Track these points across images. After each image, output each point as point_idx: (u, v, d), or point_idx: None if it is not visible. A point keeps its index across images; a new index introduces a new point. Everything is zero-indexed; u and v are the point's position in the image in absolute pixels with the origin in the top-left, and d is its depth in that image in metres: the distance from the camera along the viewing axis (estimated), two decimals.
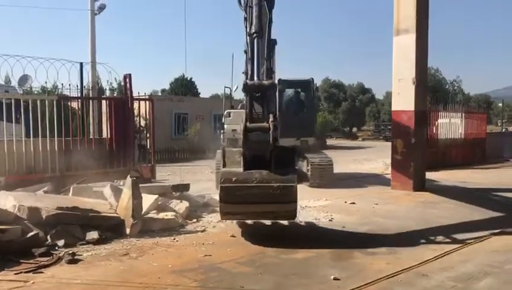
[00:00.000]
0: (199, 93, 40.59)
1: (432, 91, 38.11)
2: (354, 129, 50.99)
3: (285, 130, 10.28)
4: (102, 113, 9.67)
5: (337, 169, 12.36)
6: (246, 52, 6.85)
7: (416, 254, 5.52)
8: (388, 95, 40.77)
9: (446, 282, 4.54)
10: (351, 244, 5.93)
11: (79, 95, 11.34)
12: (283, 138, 10.41)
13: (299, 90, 12.95)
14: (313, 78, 12.72)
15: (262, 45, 6.36)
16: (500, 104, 56.15)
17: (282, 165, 5.79)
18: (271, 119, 5.85)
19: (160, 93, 43.36)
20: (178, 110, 27.89)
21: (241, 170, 5.74)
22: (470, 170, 15.69)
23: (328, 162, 11.41)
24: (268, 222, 6.79)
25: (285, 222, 6.82)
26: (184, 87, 40.27)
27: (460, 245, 5.92)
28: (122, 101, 9.50)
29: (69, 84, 9.45)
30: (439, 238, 6.30)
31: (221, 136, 10.53)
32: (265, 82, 6.10)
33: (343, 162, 17.00)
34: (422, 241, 6.14)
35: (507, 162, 18.52)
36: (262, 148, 5.74)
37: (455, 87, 44.30)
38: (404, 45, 10.61)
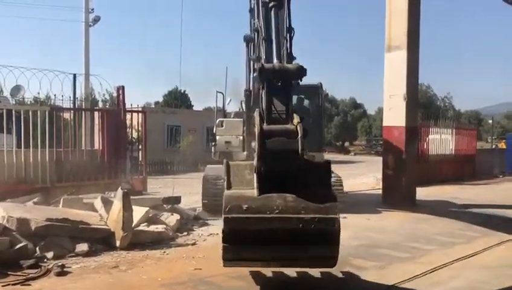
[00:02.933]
0: (192, 106, 40.67)
1: (423, 107, 38.43)
2: (346, 144, 51.22)
3: None
4: (95, 124, 9.66)
5: None
6: (257, 31, 5.19)
7: (406, 269, 5.54)
8: (380, 111, 41.07)
9: None
10: (340, 259, 5.91)
11: (71, 106, 11.34)
12: None
13: (305, 97, 11.14)
14: (321, 83, 10.79)
15: (281, 18, 4.90)
16: (490, 121, 56.76)
17: (313, 186, 4.07)
18: (297, 120, 4.24)
19: (153, 105, 43.36)
20: (170, 123, 27.93)
21: (254, 192, 4.01)
22: (460, 185, 15.79)
23: (339, 183, 9.59)
24: (293, 272, 5.06)
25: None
26: (177, 99, 40.37)
27: (450, 261, 5.95)
28: (114, 113, 9.51)
29: (62, 95, 9.44)
30: (429, 253, 6.34)
31: (213, 149, 9.82)
32: (289, 66, 4.47)
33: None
34: (412, 256, 6.17)
35: (496, 179, 18.66)
36: (287, 162, 4.04)
37: (446, 104, 44.84)
38: (396, 62, 10.75)
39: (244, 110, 9.59)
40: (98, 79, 13.35)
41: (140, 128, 23.74)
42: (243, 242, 3.89)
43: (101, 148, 9.30)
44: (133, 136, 23.90)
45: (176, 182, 15.89)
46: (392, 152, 10.82)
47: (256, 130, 4.15)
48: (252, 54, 9.15)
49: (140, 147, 26.34)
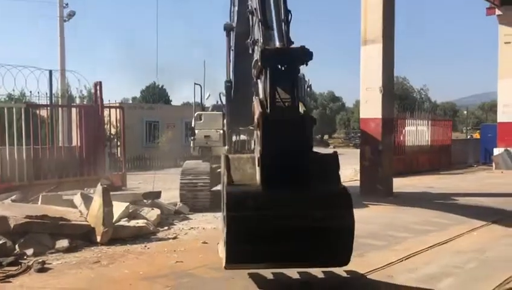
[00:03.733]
0: (171, 101, 40.45)
1: (400, 99, 39.08)
2: (326, 137, 51.66)
3: None
4: (72, 121, 9.59)
5: None
6: (251, 13, 4.80)
7: (383, 256, 5.69)
8: (358, 103, 41.57)
9: (410, 282, 4.72)
10: None
11: (48, 103, 11.21)
12: None
13: None
14: (303, 74, 10.05)
15: None
16: (465, 112, 57.95)
17: (321, 179, 3.78)
18: (303, 108, 4.04)
19: (130, 101, 42.98)
20: (149, 118, 27.78)
21: (258, 188, 3.72)
22: (436, 175, 16.19)
23: None
24: (295, 273, 4.68)
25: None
26: (155, 94, 40.12)
27: (425, 247, 6.14)
28: (92, 109, 9.45)
29: (38, 92, 9.35)
30: (405, 241, 6.52)
31: (192, 144, 9.69)
32: (294, 48, 4.09)
33: None
34: (389, 244, 6.34)
35: (471, 168, 19.15)
36: (296, 155, 3.73)
37: (422, 96, 45.62)
38: (371, 55, 10.93)
39: (224, 102, 9.54)
40: (75, 75, 13.19)
41: (118, 125, 23.44)
42: (248, 242, 3.59)
43: (79, 144, 9.25)
44: (111, 132, 23.66)
45: (155, 177, 15.91)
46: (369, 144, 11.02)
47: (260, 119, 3.82)
48: (232, 44, 9.07)
49: (118, 143, 26.07)
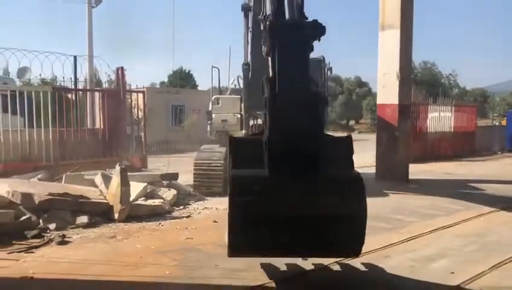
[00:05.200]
0: (197, 86, 40.90)
1: (428, 85, 38.40)
2: (352, 122, 51.30)
3: None
4: (95, 104, 10.03)
5: None
6: None
7: (385, 238, 5.87)
8: None
9: (405, 262, 4.92)
10: None
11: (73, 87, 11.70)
12: None
13: None
14: (323, 57, 10.08)
15: None
16: (498, 99, 56.50)
17: (333, 164, 3.56)
18: (315, 88, 3.86)
19: (158, 86, 43.68)
20: (175, 102, 28.24)
21: (265, 172, 3.48)
22: (457, 162, 16.08)
23: None
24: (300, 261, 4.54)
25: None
26: (182, 79, 40.62)
27: (429, 230, 6.29)
28: (114, 93, 9.86)
29: (63, 77, 9.80)
30: (410, 224, 6.69)
31: (208, 128, 9.60)
32: (305, 22, 3.85)
33: None
34: (394, 227, 6.52)
35: (495, 155, 18.89)
36: (306, 136, 3.48)
37: (451, 81, 44.66)
38: (389, 40, 10.93)
39: (242, 86, 9.51)
40: (99, 61, 13.56)
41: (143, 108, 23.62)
42: (253, 229, 3.40)
43: (102, 127, 9.68)
44: (138, 116, 24.22)
45: (178, 160, 16.33)
46: (385, 130, 11.10)
47: (268, 99, 3.60)
48: (250, 25, 9.03)
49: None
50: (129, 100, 11.61)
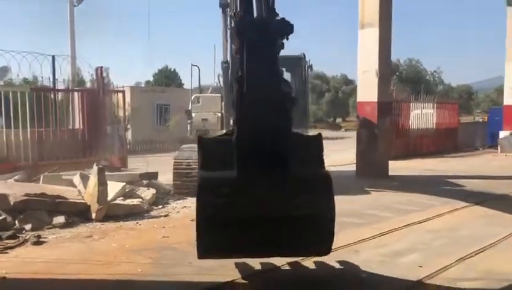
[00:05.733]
0: (183, 84, 40.81)
1: (412, 82, 38.76)
2: (339, 120, 51.56)
3: None
4: (74, 104, 10.00)
5: None
6: None
7: (358, 233, 5.97)
8: None
9: (375, 257, 5.02)
10: None
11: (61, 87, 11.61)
12: None
13: (286, 69, 10.17)
14: (304, 54, 10.15)
15: None
16: (482, 95, 57.19)
17: (303, 163, 3.59)
18: (285, 86, 3.84)
19: (144, 85, 43.53)
20: (160, 102, 28.15)
21: (234, 173, 3.45)
22: (439, 158, 16.27)
23: None
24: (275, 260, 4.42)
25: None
26: (168, 78, 40.52)
27: (402, 225, 6.41)
28: (93, 93, 9.84)
29: (41, 77, 9.75)
30: (384, 220, 6.80)
31: (188, 127, 9.49)
32: (272, 19, 3.79)
33: None
34: (367, 222, 6.63)
35: (476, 151, 19.16)
36: (274, 137, 3.46)
37: (436, 78, 45.12)
38: (368, 38, 11.06)
39: (222, 84, 9.38)
40: (79, 60, 13.38)
41: (127, 108, 23.71)
42: (221, 231, 3.39)
43: (81, 127, 9.67)
44: (120, 115, 24.05)
45: (161, 160, 16.32)
46: (365, 127, 11.23)
47: (235, 98, 3.62)
48: (228, 21, 9.02)
49: (128, 126, 26.54)
50: (113, 100, 11.56)
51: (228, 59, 9.04)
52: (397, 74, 42.95)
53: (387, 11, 11.08)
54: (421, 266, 4.67)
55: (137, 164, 13.55)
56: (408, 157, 15.74)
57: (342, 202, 7.90)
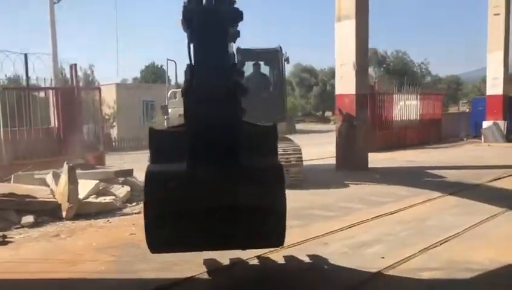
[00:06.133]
0: (170, 81, 40.59)
1: (399, 74, 38.88)
2: (328, 113, 51.65)
3: (247, 114, 9.92)
4: (50, 102, 9.91)
5: None
6: None
7: (328, 225, 5.99)
8: None
9: (340, 249, 5.03)
10: None
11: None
12: None
13: (264, 62, 10.44)
14: (281, 47, 10.07)
15: None
16: (470, 86, 57.46)
17: (255, 155, 3.54)
18: (236, 76, 3.68)
19: (131, 81, 43.33)
20: (146, 98, 28.02)
21: (183, 166, 3.36)
22: (421, 149, 16.37)
23: (297, 153, 9.05)
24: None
25: None
26: (155, 74, 40.34)
27: (372, 217, 6.43)
28: (68, 91, 9.75)
29: (12, 75, 9.62)
30: (356, 212, 6.82)
31: (165, 124, 9.10)
32: (220, 7, 3.64)
33: (305, 146, 17.46)
34: (338, 215, 6.64)
35: (460, 142, 19.28)
36: (223, 128, 3.39)
37: (423, 70, 45.27)
38: (345, 31, 11.04)
39: None
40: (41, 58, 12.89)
41: (113, 105, 23.59)
42: (169, 226, 3.35)
43: (56, 125, 9.58)
44: (106, 112, 23.80)
45: (146, 157, 16.27)
46: (344, 119, 11.23)
47: (184, 88, 3.56)
48: None
49: (114, 123, 26.30)
50: (96, 97, 11.44)
51: None
52: (384, 65, 43.07)
53: (364, 3, 11.06)
54: (383, 257, 4.68)
55: (118, 162, 13.52)
56: (391, 149, 15.84)
57: (316, 195, 8.06)
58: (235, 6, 3.71)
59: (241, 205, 3.37)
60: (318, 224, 6.13)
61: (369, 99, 15.90)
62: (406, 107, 18.52)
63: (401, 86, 19.36)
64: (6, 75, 20.69)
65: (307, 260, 4.72)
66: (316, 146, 19.18)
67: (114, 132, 24.91)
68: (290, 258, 4.74)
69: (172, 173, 3.40)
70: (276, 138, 3.84)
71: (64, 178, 6.86)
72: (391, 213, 6.67)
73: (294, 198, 7.82)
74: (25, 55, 9.28)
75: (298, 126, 36.52)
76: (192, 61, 3.63)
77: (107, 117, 24.75)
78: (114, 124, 25.51)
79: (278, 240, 3.69)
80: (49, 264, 4.79)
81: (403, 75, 38.69)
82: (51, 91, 9.84)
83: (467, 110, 35.28)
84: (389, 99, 17.57)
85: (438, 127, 19.93)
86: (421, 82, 39.79)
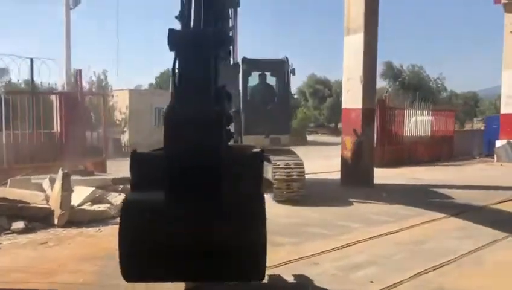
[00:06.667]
0: None
1: (414, 89, 38.43)
2: (341, 125, 51.32)
3: (251, 125, 9.46)
4: (53, 107, 9.94)
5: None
6: None
7: (321, 245, 5.79)
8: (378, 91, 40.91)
9: (329, 270, 4.85)
10: None
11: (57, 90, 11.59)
12: (247, 135, 9.46)
13: (269, 73, 10.32)
14: (287, 58, 9.97)
15: None
16: (488, 103, 56.59)
17: (237, 186, 3.34)
18: (222, 103, 3.50)
19: (147, 87, 43.71)
20: (158, 104, 28.10)
21: (160, 195, 3.11)
22: (431, 167, 16.05)
23: (299, 167, 8.73)
24: None
25: None
26: (169, 81, 40.51)
27: (369, 237, 6.23)
28: (72, 96, 9.76)
29: (17, 80, 9.68)
30: (353, 231, 6.62)
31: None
32: (204, 30, 3.52)
33: (314, 158, 17.31)
34: (335, 233, 6.45)
35: (472, 160, 18.88)
36: (204, 156, 3.14)
37: (438, 85, 44.67)
38: (354, 44, 10.90)
39: None
40: (56, 63, 12.90)
41: (125, 111, 23.68)
42: (145, 259, 3.09)
43: (58, 130, 9.59)
44: (117, 118, 23.95)
45: None
46: (350, 134, 11.05)
47: (165, 112, 3.25)
48: None
49: (125, 129, 26.40)
50: (111, 103, 11.46)
51: None
52: (399, 79, 42.58)
53: (373, 16, 10.91)
54: (372, 281, 4.50)
55: (124, 168, 13.50)
56: (401, 165, 15.56)
57: (315, 212, 7.85)
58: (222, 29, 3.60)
59: (219, 240, 3.11)
60: (312, 242, 5.95)
61: (379, 113, 15.88)
62: (417, 122, 18.25)
63: (413, 101, 19.09)
64: (18, 80, 21.01)
65: (292, 280, 4.55)
66: (325, 158, 18.96)
67: (125, 137, 25.01)
68: (275, 278, 4.57)
69: (150, 204, 3.14)
70: (261, 165, 3.57)
71: (58, 184, 6.80)
72: (389, 233, 6.46)
73: (292, 214, 7.75)
74: (31, 60, 9.32)
75: (310, 137, 36.32)
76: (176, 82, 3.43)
77: (117, 123, 24.90)
78: (125, 129, 25.62)
79: (257, 275, 3.35)
80: (29, 274, 4.69)
81: (418, 89, 38.19)
82: (54, 96, 9.86)
83: (482, 128, 34.77)
84: (399, 114, 17.33)
85: (450, 144, 19.57)
86: (436, 97, 39.35)
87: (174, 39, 3.39)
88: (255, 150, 3.87)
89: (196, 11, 3.59)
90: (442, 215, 7.66)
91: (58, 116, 9.63)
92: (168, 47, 3.55)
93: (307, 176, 12.42)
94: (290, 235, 6.22)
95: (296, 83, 54.52)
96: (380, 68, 43.36)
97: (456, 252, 5.47)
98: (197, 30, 3.52)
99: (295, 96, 44.07)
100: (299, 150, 10.81)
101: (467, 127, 43.45)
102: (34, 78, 9.51)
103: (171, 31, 3.39)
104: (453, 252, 5.47)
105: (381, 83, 45.22)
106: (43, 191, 7.51)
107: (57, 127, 9.70)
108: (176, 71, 3.48)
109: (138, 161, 3.39)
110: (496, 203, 8.84)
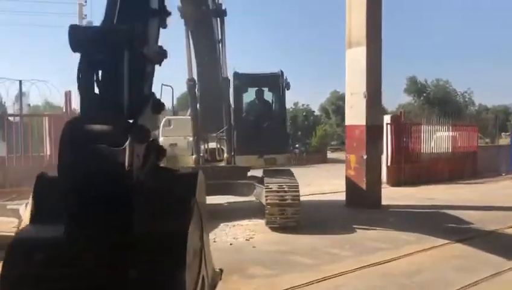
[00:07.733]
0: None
1: (440, 103, 37.29)
2: None
3: (245, 144, 9.03)
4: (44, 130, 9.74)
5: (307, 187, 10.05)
6: None
7: (300, 277, 5.22)
8: (399, 107, 39.94)
9: None
10: (238, 265, 5.59)
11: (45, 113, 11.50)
12: (240, 155, 9.05)
13: (265, 88, 9.91)
14: (282, 71, 9.48)
15: None
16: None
17: (157, 216, 2.56)
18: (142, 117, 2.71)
19: None
20: None
21: (59, 228, 2.36)
22: (450, 185, 15.14)
23: (293, 189, 7.91)
24: None
25: None
26: None
27: (356, 267, 5.61)
28: (62, 118, 9.53)
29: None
30: (341, 260, 6.01)
31: None
32: (120, 27, 2.67)
33: (328, 177, 16.72)
34: (319, 263, 5.86)
35: (498, 177, 17.80)
36: (112, 177, 2.38)
37: (466, 99, 43.18)
38: (356, 58, 10.35)
39: (190, 104, 8.77)
40: (47, 86, 12.85)
41: None
42: None
43: (48, 153, 9.36)
44: None
45: None
46: (354, 152, 10.44)
47: (62, 132, 2.69)
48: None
49: None
50: None
51: (194, 77, 8.54)
52: (424, 94, 41.44)
53: (375, 28, 10.36)
54: None
55: None
56: (418, 184, 14.74)
57: (307, 238, 7.23)
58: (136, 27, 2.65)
59: (127, 286, 2.38)
60: (289, 274, 5.37)
61: (393, 130, 15.17)
62: (437, 138, 17.39)
63: (436, 117, 18.24)
64: (29, 105, 21.22)
65: None
66: (339, 177, 18.24)
67: None
68: None
69: (42, 242, 2.42)
70: (192, 190, 2.66)
71: (28, 211, 6.47)
72: (381, 263, 5.82)
73: (281, 240, 7.12)
74: (20, 81, 9.18)
75: (332, 155, 35.41)
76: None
77: None
78: None
79: None
80: None
81: (445, 104, 37.00)
82: (44, 118, 9.68)
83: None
84: (416, 130, 16.54)
85: (473, 160, 18.54)
86: (463, 112, 37.98)
87: (76, 38, 2.59)
88: (193, 171, 3.15)
89: (110, 4, 2.79)
90: (446, 241, 6.93)
91: (48, 139, 9.40)
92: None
93: (312, 197, 11.97)
94: (268, 266, 5.67)
95: (318, 100, 53.87)
96: (403, 84, 42.44)
97: (451, 286, 4.82)
98: (103, 28, 2.73)
99: (315, 113, 43.52)
100: (316, 169, 10.32)
101: (501, 142, 41.75)
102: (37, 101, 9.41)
103: (73, 28, 2.61)
104: (448, 286, 4.83)
105: (405, 99, 44.25)
106: (19, 217, 7.21)
107: (46, 149, 9.48)
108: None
109: (43, 185, 2.67)
110: (509, 227, 8.02)
